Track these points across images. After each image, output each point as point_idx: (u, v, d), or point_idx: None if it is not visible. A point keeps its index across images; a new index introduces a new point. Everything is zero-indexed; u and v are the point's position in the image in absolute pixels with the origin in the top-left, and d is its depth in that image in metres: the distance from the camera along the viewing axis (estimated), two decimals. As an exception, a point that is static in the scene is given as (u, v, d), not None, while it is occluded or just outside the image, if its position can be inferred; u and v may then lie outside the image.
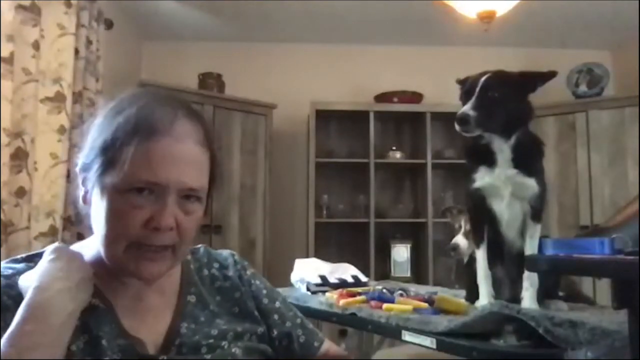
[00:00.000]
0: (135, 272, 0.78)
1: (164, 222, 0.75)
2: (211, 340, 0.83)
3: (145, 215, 0.76)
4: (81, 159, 0.82)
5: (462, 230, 1.56)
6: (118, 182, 0.75)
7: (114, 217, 0.76)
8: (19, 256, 0.83)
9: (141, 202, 0.76)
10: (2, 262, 0.81)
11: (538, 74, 1.28)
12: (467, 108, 1.24)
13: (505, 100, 1.25)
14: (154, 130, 0.77)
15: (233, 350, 0.84)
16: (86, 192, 0.82)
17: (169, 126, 0.78)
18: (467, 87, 1.29)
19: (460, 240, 1.55)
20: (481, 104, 1.23)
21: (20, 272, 0.77)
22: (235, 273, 0.96)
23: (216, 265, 0.97)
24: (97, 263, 0.80)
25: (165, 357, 0.79)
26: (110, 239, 0.77)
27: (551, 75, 1.26)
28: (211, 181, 0.85)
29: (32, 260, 0.81)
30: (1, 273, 0.77)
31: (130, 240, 0.76)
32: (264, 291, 0.98)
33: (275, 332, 0.94)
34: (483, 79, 1.26)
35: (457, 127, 1.24)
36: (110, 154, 0.76)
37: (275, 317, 0.95)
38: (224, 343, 0.84)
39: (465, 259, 1.53)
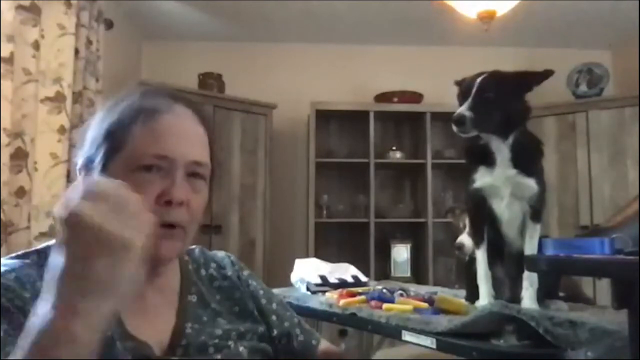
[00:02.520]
0: (152, 253, 0.77)
1: (176, 195, 0.76)
2: (217, 340, 0.83)
3: (156, 191, 0.76)
4: (82, 156, 0.82)
5: (466, 229, 1.56)
6: (126, 163, 0.77)
7: None
8: (14, 253, 0.82)
9: (151, 178, 0.77)
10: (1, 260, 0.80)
11: (534, 73, 1.28)
12: (464, 109, 1.24)
13: (501, 101, 1.26)
14: (157, 110, 0.80)
15: (240, 349, 0.84)
16: None
17: (170, 107, 0.82)
18: (463, 88, 1.29)
19: (464, 239, 1.55)
20: (477, 105, 1.24)
21: (13, 269, 0.75)
22: (233, 273, 0.97)
23: (213, 265, 0.97)
24: None
25: (175, 359, 0.79)
26: None
27: (547, 74, 1.26)
28: (211, 169, 0.86)
29: (28, 257, 0.80)
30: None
31: None
32: (261, 292, 0.99)
33: (275, 332, 0.95)
34: (479, 79, 1.27)
35: (454, 128, 1.25)
36: (116, 136, 0.78)
37: (274, 317, 0.96)
38: (230, 342, 0.84)
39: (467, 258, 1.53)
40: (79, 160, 0.83)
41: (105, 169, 0.78)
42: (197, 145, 0.82)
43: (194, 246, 0.99)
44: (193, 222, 0.80)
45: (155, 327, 0.81)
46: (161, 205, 0.76)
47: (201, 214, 0.82)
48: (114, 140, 0.78)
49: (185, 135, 0.81)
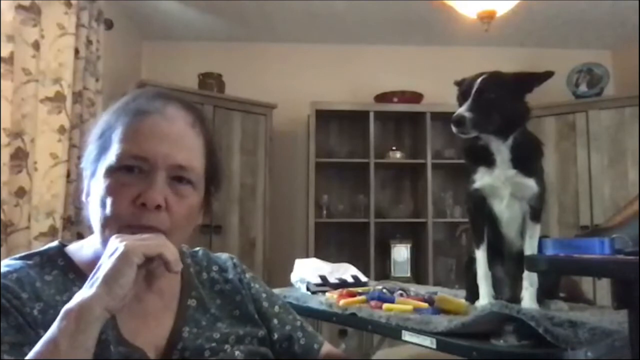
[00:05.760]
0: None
1: (150, 198, 0.75)
2: (214, 344, 0.83)
3: (133, 193, 0.75)
4: (84, 156, 0.84)
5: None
6: (110, 162, 0.77)
7: (105, 197, 0.76)
8: (18, 254, 0.82)
9: (130, 180, 0.76)
10: (1, 261, 0.80)
11: (534, 74, 1.28)
12: (463, 110, 1.24)
13: (501, 102, 1.25)
14: (144, 110, 0.79)
15: (236, 353, 0.84)
16: (88, 187, 0.82)
17: (160, 108, 0.80)
18: (463, 88, 1.29)
19: None
20: (477, 106, 1.23)
21: (15, 270, 0.76)
22: (235, 276, 0.96)
23: (215, 268, 0.96)
24: (96, 262, 0.79)
25: None
26: (103, 223, 0.77)
27: (547, 75, 1.26)
28: (209, 174, 0.85)
29: (31, 258, 0.81)
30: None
31: (121, 222, 0.75)
32: (264, 295, 0.98)
33: (276, 336, 0.94)
34: (479, 80, 1.26)
35: (453, 128, 1.24)
36: (105, 135, 0.79)
37: (275, 321, 0.95)
38: (227, 346, 0.84)
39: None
40: (82, 159, 0.85)
41: (95, 168, 0.79)
42: (184, 148, 0.80)
43: (197, 248, 0.99)
44: (176, 227, 0.78)
45: (152, 331, 0.81)
46: (137, 207, 0.75)
47: (186, 220, 0.80)
48: (103, 140, 0.79)
49: (170, 138, 0.78)
